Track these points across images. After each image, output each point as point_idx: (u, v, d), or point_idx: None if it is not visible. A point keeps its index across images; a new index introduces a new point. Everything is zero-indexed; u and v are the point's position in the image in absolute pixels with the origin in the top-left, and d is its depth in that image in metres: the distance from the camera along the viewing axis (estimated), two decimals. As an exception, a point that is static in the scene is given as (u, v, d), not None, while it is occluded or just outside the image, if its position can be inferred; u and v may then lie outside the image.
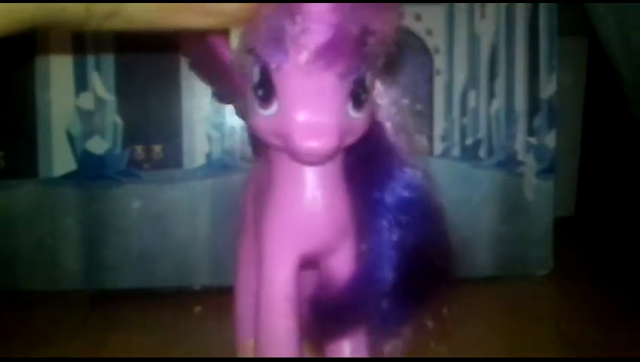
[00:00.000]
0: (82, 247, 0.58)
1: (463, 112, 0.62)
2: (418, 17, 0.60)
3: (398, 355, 0.31)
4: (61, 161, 0.57)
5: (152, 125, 0.58)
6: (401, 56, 0.59)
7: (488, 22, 0.61)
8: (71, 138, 0.57)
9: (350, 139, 0.28)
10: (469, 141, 0.62)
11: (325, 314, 0.30)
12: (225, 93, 0.42)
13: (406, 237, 0.29)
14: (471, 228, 0.61)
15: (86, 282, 0.58)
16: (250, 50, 0.27)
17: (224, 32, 0.29)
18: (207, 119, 0.59)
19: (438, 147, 0.61)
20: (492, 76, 0.62)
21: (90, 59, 0.57)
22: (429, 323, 0.32)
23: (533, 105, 0.62)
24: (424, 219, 0.30)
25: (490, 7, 0.61)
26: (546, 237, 0.63)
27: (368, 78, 0.27)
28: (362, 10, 0.25)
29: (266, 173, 0.32)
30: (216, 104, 0.58)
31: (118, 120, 0.58)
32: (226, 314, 0.53)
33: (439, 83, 0.61)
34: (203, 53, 0.32)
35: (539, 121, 0.63)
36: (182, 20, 0.27)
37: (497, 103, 0.62)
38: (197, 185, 0.59)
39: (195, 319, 0.54)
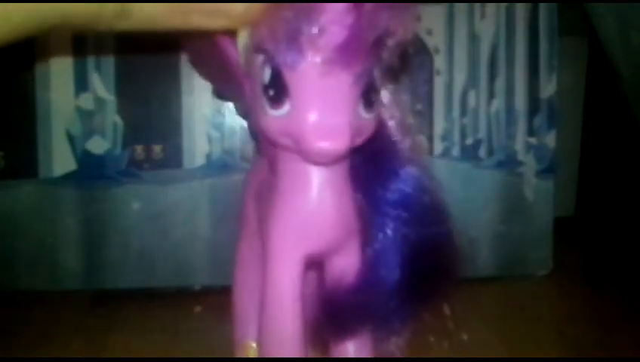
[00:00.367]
0: (82, 247, 0.58)
1: (463, 112, 0.62)
2: (418, 17, 0.60)
3: (400, 354, 0.31)
4: (61, 161, 0.57)
5: (152, 125, 0.58)
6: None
7: (488, 22, 0.61)
8: (71, 138, 0.57)
9: (360, 140, 0.28)
10: (469, 141, 0.62)
11: (331, 314, 0.30)
12: (225, 90, 0.42)
13: (411, 236, 0.29)
14: (471, 228, 0.61)
15: (86, 282, 0.58)
16: (261, 49, 0.27)
17: (230, 32, 0.29)
18: (207, 119, 0.59)
19: (438, 147, 0.61)
20: (492, 76, 0.62)
21: (90, 60, 0.57)
22: (430, 323, 0.32)
23: (533, 105, 0.62)
24: (429, 218, 0.30)
25: (490, 7, 0.61)
26: (546, 237, 0.63)
27: (378, 78, 0.27)
28: (381, 12, 0.25)
29: (268, 173, 0.32)
30: (217, 104, 0.58)
31: (118, 120, 0.58)
32: (226, 314, 0.53)
33: (439, 83, 0.61)
34: (205, 50, 0.32)
35: (539, 121, 0.63)
36: (191, 21, 0.27)
37: (497, 103, 0.62)
38: (197, 185, 0.59)
39: (195, 319, 0.54)
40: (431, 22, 0.60)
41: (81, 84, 0.57)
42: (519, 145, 0.62)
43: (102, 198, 0.58)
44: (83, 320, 0.53)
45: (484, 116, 0.62)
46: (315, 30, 0.25)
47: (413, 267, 0.29)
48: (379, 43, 0.25)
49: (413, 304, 0.30)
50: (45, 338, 0.49)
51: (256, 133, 0.33)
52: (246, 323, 0.38)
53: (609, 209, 0.87)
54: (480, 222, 0.62)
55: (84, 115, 0.57)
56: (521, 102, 0.62)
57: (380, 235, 0.29)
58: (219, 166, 0.59)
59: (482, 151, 0.62)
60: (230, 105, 0.59)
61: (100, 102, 0.57)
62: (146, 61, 0.57)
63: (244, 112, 0.41)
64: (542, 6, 0.62)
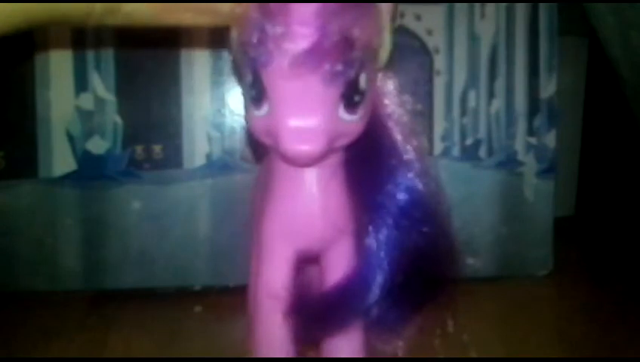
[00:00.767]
0: (82, 247, 0.58)
1: (463, 112, 0.62)
2: (418, 17, 0.60)
3: (399, 355, 0.31)
4: (61, 161, 0.57)
5: (152, 125, 0.58)
6: (401, 56, 0.59)
7: (488, 22, 0.61)
8: (71, 138, 0.57)
9: (343, 142, 0.28)
10: (469, 141, 0.62)
11: (319, 310, 0.30)
12: None
13: (407, 235, 0.29)
14: (471, 228, 0.61)
15: (86, 282, 0.58)
16: (244, 51, 0.27)
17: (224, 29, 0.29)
18: (207, 119, 0.59)
19: (438, 147, 0.61)
20: (492, 76, 0.62)
21: (90, 59, 0.57)
22: (429, 323, 0.32)
23: (533, 105, 0.62)
24: (425, 218, 0.30)
25: (490, 7, 0.61)
26: (546, 237, 0.63)
27: (363, 79, 0.27)
28: (343, 16, 0.25)
29: (266, 172, 0.32)
30: (217, 104, 0.58)
31: (118, 120, 0.58)
32: (226, 314, 0.53)
33: (439, 83, 0.61)
34: None
35: (539, 121, 0.63)
36: (179, 18, 0.28)
37: (497, 103, 0.62)
38: (197, 185, 0.59)
39: (195, 319, 0.54)
40: (431, 22, 0.60)
41: (81, 84, 0.57)
42: (519, 145, 0.62)
43: (102, 198, 0.58)
44: (83, 320, 0.53)
45: (484, 116, 0.62)
46: (281, 32, 0.25)
47: (409, 266, 0.29)
48: (345, 47, 0.25)
49: (409, 303, 0.30)
50: (45, 338, 0.49)
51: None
52: None
53: (609, 209, 0.87)
54: (480, 222, 0.62)
55: (84, 115, 0.57)
56: (521, 102, 0.62)
57: (376, 234, 0.29)
58: (219, 166, 0.59)
59: (482, 151, 0.62)
60: (230, 105, 0.59)
61: (100, 102, 0.57)
62: (146, 61, 0.58)
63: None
64: (542, 6, 0.62)
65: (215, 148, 0.59)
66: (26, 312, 0.54)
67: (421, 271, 0.29)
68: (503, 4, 0.61)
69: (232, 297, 0.56)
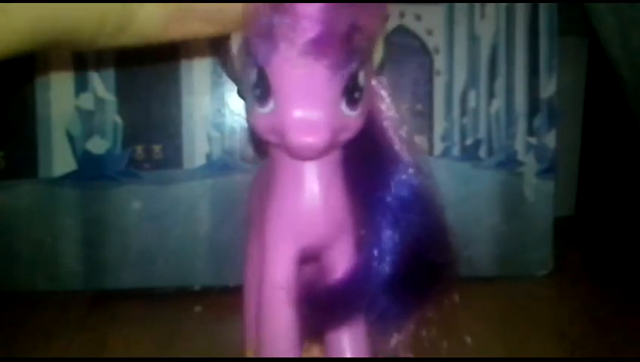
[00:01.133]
0: (82, 247, 0.58)
1: (463, 112, 0.62)
2: (418, 17, 0.60)
3: (401, 351, 0.31)
4: (61, 161, 0.57)
5: (152, 125, 0.58)
6: (400, 56, 0.60)
7: (488, 22, 0.61)
8: (71, 138, 0.57)
9: (345, 137, 0.29)
10: (469, 141, 0.62)
11: (322, 305, 0.30)
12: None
13: (404, 232, 0.29)
14: (471, 228, 0.61)
15: (86, 282, 0.58)
16: (248, 51, 0.28)
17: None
18: (207, 119, 0.59)
19: (438, 147, 0.61)
20: (492, 76, 0.62)
21: (90, 59, 0.57)
22: (429, 323, 0.32)
23: (533, 105, 0.62)
24: (423, 214, 0.30)
25: (490, 7, 0.61)
26: (546, 237, 0.63)
27: (361, 76, 0.28)
28: (348, 6, 0.26)
29: (267, 171, 0.33)
30: (217, 104, 0.59)
31: (118, 120, 0.58)
32: (226, 314, 0.53)
33: (439, 83, 0.61)
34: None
35: (539, 121, 0.63)
36: (189, 30, 0.28)
37: (497, 103, 0.62)
38: (197, 185, 0.59)
39: (195, 319, 0.54)
40: (431, 22, 0.60)
41: (81, 84, 0.57)
42: (519, 145, 0.62)
43: (102, 198, 0.58)
44: (83, 320, 0.53)
45: (484, 116, 0.62)
46: (288, 25, 0.25)
47: (407, 264, 0.30)
48: (350, 38, 0.26)
49: (408, 301, 0.31)
50: (45, 338, 0.49)
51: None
52: (253, 319, 0.38)
53: (609, 209, 0.87)
54: (480, 222, 0.62)
55: (84, 115, 0.57)
56: (521, 102, 0.62)
57: (375, 231, 0.30)
58: (219, 166, 0.59)
59: (482, 151, 0.62)
60: (230, 105, 0.59)
61: (100, 102, 0.57)
62: (146, 61, 0.57)
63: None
64: (542, 6, 0.62)
65: (215, 148, 0.59)
66: (26, 312, 0.54)
67: (421, 265, 0.30)
68: (503, 4, 0.61)
69: (232, 297, 0.56)
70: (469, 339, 0.44)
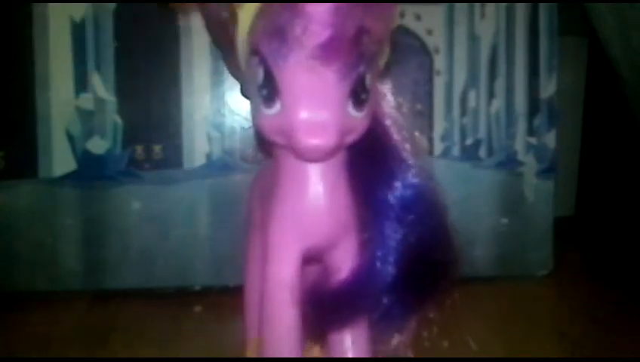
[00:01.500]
0: (82, 247, 0.58)
1: (463, 112, 0.62)
2: (418, 17, 0.60)
3: (402, 351, 0.31)
4: (61, 161, 0.57)
5: (152, 125, 0.58)
6: (400, 56, 0.60)
7: (488, 22, 0.61)
8: (71, 138, 0.57)
9: (351, 138, 0.28)
10: (469, 141, 0.62)
11: (326, 306, 0.30)
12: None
13: (408, 232, 0.29)
14: (471, 228, 0.61)
15: (86, 282, 0.58)
16: (254, 50, 0.27)
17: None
18: (207, 119, 0.59)
19: (438, 147, 0.61)
20: (492, 76, 0.62)
21: (90, 59, 0.57)
22: (429, 323, 0.32)
23: (533, 105, 0.62)
24: (425, 215, 0.30)
25: (490, 7, 0.61)
26: (546, 237, 0.63)
27: (368, 78, 0.28)
28: (357, 11, 0.26)
29: (271, 172, 0.33)
30: (217, 104, 0.59)
31: (118, 120, 0.58)
32: (226, 314, 0.53)
33: (439, 83, 0.61)
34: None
35: (539, 121, 0.63)
36: None
37: (497, 103, 0.62)
38: (197, 185, 0.59)
39: (195, 319, 0.54)
40: (431, 22, 0.60)
41: (81, 84, 0.57)
42: (519, 145, 0.62)
43: (102, 198, 0.58)
44: (83, 320, 0.53)
45: (484, 116, 0.62)
46: (298, 29, 0.25)
47: (410, 264, 0.30)
48: (359, 41, 0.26)
49: (410, 301, 0.31)
50: (45, 338, 0.49)
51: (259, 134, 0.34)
52: (254, 318, 0.38)
53: (609, 209, 0.87)
54: (480, 222, 0.62)
55: (84, 115, 0.57)
56: (521, 102, 0.62)
57: (378, 232, 0.30)
58: (219, 166, 0.59)
59: (482, 151, 0.62)
60: (230, 105, 0.59)
61: (100, 102, 0.57)
62: (146, 61, 0.57)
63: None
64: (542, 6, 0.62)
65: (215, 148, 0.59)
66: (26, 312, 0.54)
67: (423, 263, 0.30)
68: (503, 4, 0.61)
69: (232, 297, 0.56)
70: (469, 339, 0.44)
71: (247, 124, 0.59)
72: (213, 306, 0.55)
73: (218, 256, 0.59)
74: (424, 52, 0.61)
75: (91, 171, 0.58)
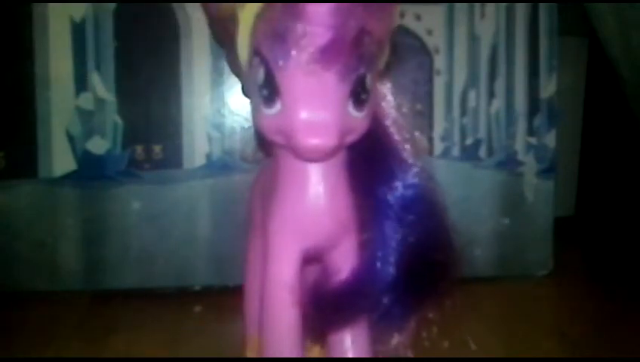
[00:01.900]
0: (82, 247, 0.58)
1: (463, 112, 0.62)
2: (418, 17, 0.60)
3: (401, 351, 0.31)
4: (61, 161, 0.57)
5: (152, 125, 0.58)
6: (400, 56, 0.60)
7: (488, 22, 0.61)
8: (71, 138, 0.57)
9: (351, 138, 0.28)
10: (469, 141, 0.62)
11: (326, 306, 0.30)
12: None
13: (408, 233, 0.29)
14: (471, 228, 0.61)
15: (86, 282, 0.58)
16: (256, 51, 0.27)
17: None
18: (207, 119, 0.59)
19: (438, 147, 0.61)
20: (492, 76, 0.62)
21: (90, 59, 0.57)
22: (429, 323, 0.32)
23: (533, 105, 0.62)
24: (426, 215, 0.30)
25: (490, 7, 0.61)
26: (546, 237, 0.63)
27: (368, 78, 0.28)
28: (358, 12, 0.26)
29: (271, 172, 0.33)
30: (217, 104, 0.59)
31: (118, 120, 0.58)
32: (226, 314, 0.53)
33: (439, 83, 0.61)
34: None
35: (539, 121, 0.63)
36: None
37: (497, 103, 0.62)
38: (197, 185, 0.59)
39: (195, 319, 0.54)
40: (431, 22, 0.60)
41: (81, 83, 0.57)
42: (519, 145, 0.62)
43: (102, 198, 0.58)
44: (83, 320, 0.53)
45: (484, 116, 0.62)
46: (298, 31, 0.25)
47: (409, 263, 0.30)
48: (360, 42, 0.26)
49: (410, 301, 0.31)
50: (45, 338, 0.49)
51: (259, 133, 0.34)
52: (254, 317, 0.38)
53: (609, 209, 0.87)
54: (480, 222, 0.62)
55: (84, 115, 0.57)
56: (521, 102, 0.62)
57: (377, 231, 0.30)
58: (219, 166, 0.59)
59: (482, 151, 0.62)
60: (230, 105, 0.59)
61: (100, 102, 0.57)
62: (146, 61, 0.57)
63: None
64: (542, 6, 0.62)
65: (215, 148, 0.59)
66: (26, 312, 0.54)
67: (423, 264, 0.30)
68: (503, 4, 0.61)
69: (232, 297, 0.56)
70: (468, 339, 0.44)
71: (247, 124, 0.59)
72: (213, 306, 0.55)
73: (218, 256, 0.59)
74: (424, 52, 0.61)
75: (91, 171, 0.57)
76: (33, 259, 0.58)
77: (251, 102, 0.29)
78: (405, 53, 0.60)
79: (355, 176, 0.31)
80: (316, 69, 0.26)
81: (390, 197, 0.30)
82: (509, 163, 0.62)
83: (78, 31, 0.57)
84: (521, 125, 0.62)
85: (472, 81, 0.62)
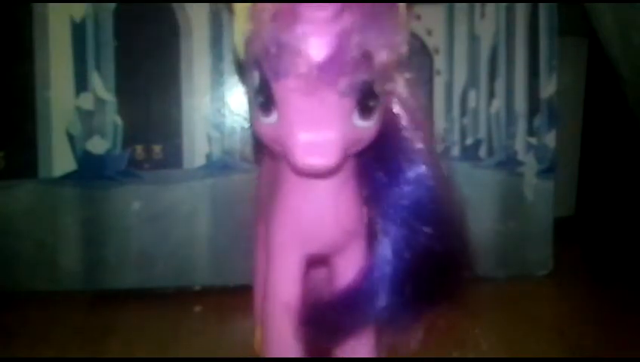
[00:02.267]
0: (82, 247, 0.58)
1: (463, 112, 0.62)
2: (418, 17, 0.60)
3: (405, 352, 0.31)
4: (61, 161, 0.57)
5: (152, 125, 0.58)
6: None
7: (488, 22, 0.61)
8: (71, 138, 0.57)
9: (357, 148, 0.27)
10: (469, 141, 0.62)
11: (330, 316, 0.30)
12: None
13: (417, 237, 0.29)
14: (470, 228, 0.61)
15: (86, 282, 0.58)
16: (253, 55, 0.26)
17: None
18: (207, 119, 0.59)
19: (438, 147, 0.61)
20: (492, 76, 0.62)
21: (90, 59, 0.57)
22: (430, 323, 0.32)
23: (533, 105, 0.62)
24: (437, 219, 0.29)
25: (490, 7, 0.61)
26: (546, 237, 0.63)
27: (377, 84, 0.26)
28: (361, 32, 0.24)
29: (274, 174, 0.32)
30: (217, 104, 0.58)
31: (118, 120, 0.58)
32: (226, 314, 0.53)
33: (439, 83, 0.61)
34: None
35: (539, 121, 0.63)
36: None
37: (497, 103, 0.62)
38: (197, 185, 0.59)
39: (195, 319, 0.54)
40: (431, 22, 0.60)
41: (81, 84, 0.57)
42: (519, 145, 0.62)
43: (102, 198, 0.58)
44: (83, 320, 0.53)
45: (484, 116, 0.62)
46: (297, 46, 0.24)
47: (419, 267, 0.29)
48: (364, 59, 0.25)
49: (420, 306, 0.30)
50: (45, 338, 0.49)
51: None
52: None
53: (609, 209, 0.87)
54: (480, 222, 0.62)
55: (84, 115, 0.57)
56: (521, 102, 0.62)
57: (388, 236, 0.29)
58: (219, 166, 0.59)
59: (482, 151, 0.62)
60: (230, 105, 0.59)
61: (100, 102, 0.57)
62: (146, 61, 0.57)
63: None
64: (542, 6, 0.62)
65: (215, 148, 0.59)
66: (25, 312, 0.54)
67: (434, 269, 0.29)
68: (503, 4, 0.61)
69: (232, 297, 0.56)
70: (468, 339, 0.44)
71: (247, 124, 0.59)
72: (213, 306, 0.55)
73: (218, 256, 0.59)
74: (424, 52, 0.61)
75: (91, 171, 0.57)
76: (33, 259, 0.58)
77: (249, 104, 0.28)
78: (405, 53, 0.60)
79: (363, 179, 0.30)
80: (314, 88, 0.24)
81: (400, 202, 0.29)
82: (509, 163, 0.62)
83: (78, 31, 0.57)
84: (521, 125, 0.62)
85: (472, 81, 0.61)
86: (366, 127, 0.26)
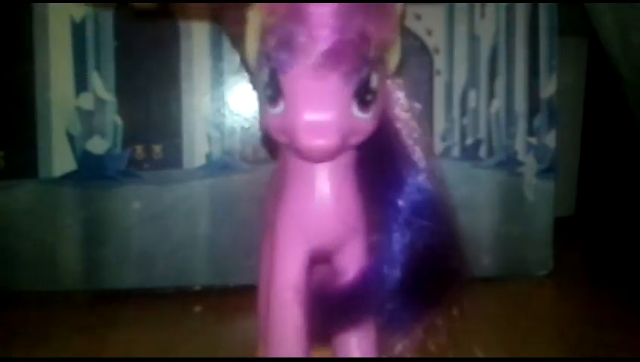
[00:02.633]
0: (82, 247, 0.58)
1: (463, 112, 0.62)
2: (418, 17, 0.60)
3: (407, 354, 0.31)
4: (61, 161, 0.57)
5: (152, 125, 0.58)
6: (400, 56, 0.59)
7: (488, 22, 0.61)
8: (71, 138, 0.57)
9: (356, 139, 0.29)
10: (469, 141, 0.62)
11: (332, 307, 0.30)
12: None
13: (416, 235, 0.30)
14: (471, 229, 0.61)
15: (86, 282, 0.58)
16: (262, 52, 0.28)
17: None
18: (207, 119, 0.59)
19: (438, 147, 0.61)
20: (492, 76, 0.62)
21: (90, 59, 0.57)
22: (429, 323, 0.32)
23: (533, 105, 0.62)
24: (434, 218, 0.30)
25: (490, 7, 0.61)
26: (546, 237, 0.63)
27: (374, 79, 0.28)
28: (359, 16, 0.26)
29: (280, 171, 0.33)
30: (217, 104, 0.59)
31: (118, 120, 0.58)
32: (227, 314, 0.54)
33: (439, 83, 0.61)
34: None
35: (539, 121, 0.63)
36: None
37: (497, 103, 0.62)
38: (197, 185, 0.59)
39: (195, 319, 0.54)
40: (431, 22, 0.60)
41: (81, 84, 0.57)
42: (519, 145, 0.62)
43: (102, 198, 0.58)
44: (83, 320, 0.53)
45: (484, 116, 0.62)
46: (302, 37, 0.26)
47: (416, 266, 0.30)
48: (361, 46, 0.26)
49: (418, 305, 0.31)
50: (45, 338, 0.49)
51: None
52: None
53: (609, 209, 0.87)
54: (480, 222, 0.62)
55: (84, 115, 0.57)
56: (521, 102, 0.62)
57: (385, 233, 0.30)
58: (219, 166, 0.59)
59: (482, 151, 0.62)
60: (230, 105, 0.59)
61: (100, 102, 0.57)
62: (146, 61, 0.58)
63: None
64: (542, 6, 0.62)
65: (215, 148, 0.59)
66: (25, 312, 0.54)
67: (431, 269, 0.30)
68: (503, 4, 0.61)
69: (231, 297, 0.57)
70: (468, 339, 0.44)
71: (247, 124, 0.59)
72: (213, 306, 0.55)
73: (218, 256, 0.59)
74: (424, 52, 0.61)
75: (91, 171, 0.58)
76: (33, 259, 0.58)
77: (258, 100, 0.30)
78: (405, 53, 0.60)
79: (363, 178, 0.31)
80: (319, 72, 0.26)
81: (399, 200, 0.30)
82: (509, 163, 0.62)
83: (78, 31, 0.57)
84: (521, 125, 0.62)
85: (472, 81, 0.61)
86: (364, 118, 0.28)
